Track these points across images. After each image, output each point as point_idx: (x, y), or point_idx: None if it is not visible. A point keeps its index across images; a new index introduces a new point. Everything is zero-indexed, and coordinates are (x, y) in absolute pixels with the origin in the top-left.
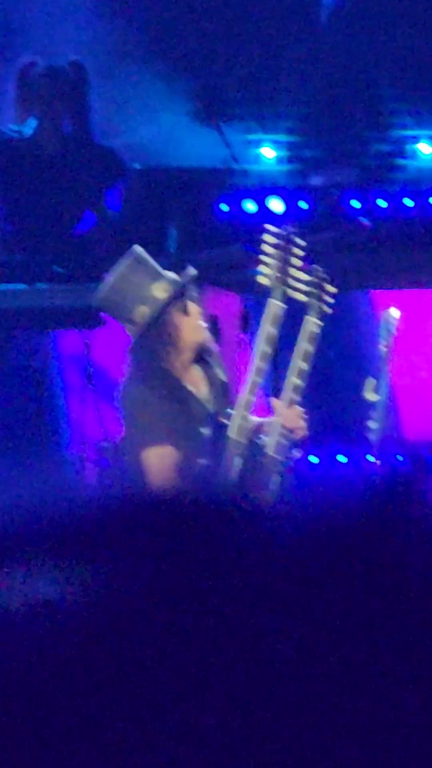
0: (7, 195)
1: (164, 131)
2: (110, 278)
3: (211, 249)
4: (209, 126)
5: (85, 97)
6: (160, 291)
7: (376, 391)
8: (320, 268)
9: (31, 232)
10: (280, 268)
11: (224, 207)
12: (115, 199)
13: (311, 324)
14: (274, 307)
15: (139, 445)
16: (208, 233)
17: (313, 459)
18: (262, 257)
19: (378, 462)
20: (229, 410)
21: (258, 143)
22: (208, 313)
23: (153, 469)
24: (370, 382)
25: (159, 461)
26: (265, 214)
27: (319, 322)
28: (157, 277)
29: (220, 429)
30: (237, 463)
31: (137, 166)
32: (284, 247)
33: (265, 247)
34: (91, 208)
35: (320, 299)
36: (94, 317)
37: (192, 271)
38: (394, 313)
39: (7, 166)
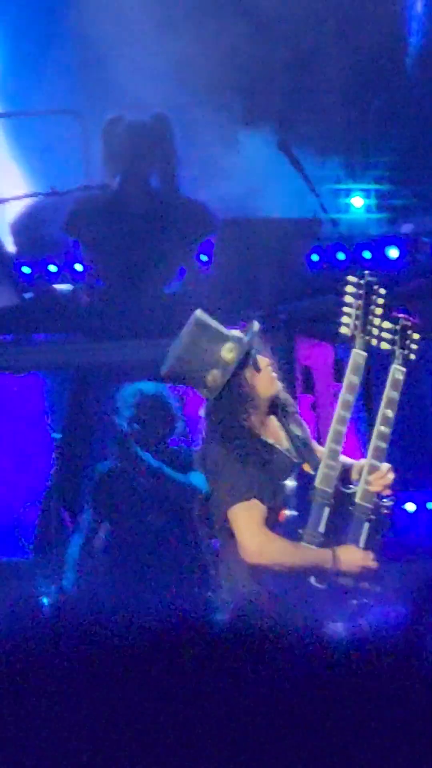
0: (97, 252)
1: (253, 182)
2: (175, 348)
3: (303, 299)
4: (298, 177)
5: (170, 151)
6: (227, 352)
7: None
8: (404, 315)
9: (123, 288)
10: (360, 317)
11: (315, 257)
12: (206, 253)
13: (396, 371)
14: (356, 356)
15: (224, 504)
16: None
17: (410, 507)
18: (344, 308)
19: None
20: (315, 460)
21: (347, 193)
22: (301, 364)
23: (242, 525)
24: None
25: (247, 516)
26: (356, 263)
27: (402, 368)
28: (222, 338)
29: (306, 479)
30: (325, 512)
31: (227, 217)
32: (365, 296)
33: (347, 298)
34: (181, 263)
35: (404, 346)
36: None
37: (255, 325)
38: None
39: (96, 223)
